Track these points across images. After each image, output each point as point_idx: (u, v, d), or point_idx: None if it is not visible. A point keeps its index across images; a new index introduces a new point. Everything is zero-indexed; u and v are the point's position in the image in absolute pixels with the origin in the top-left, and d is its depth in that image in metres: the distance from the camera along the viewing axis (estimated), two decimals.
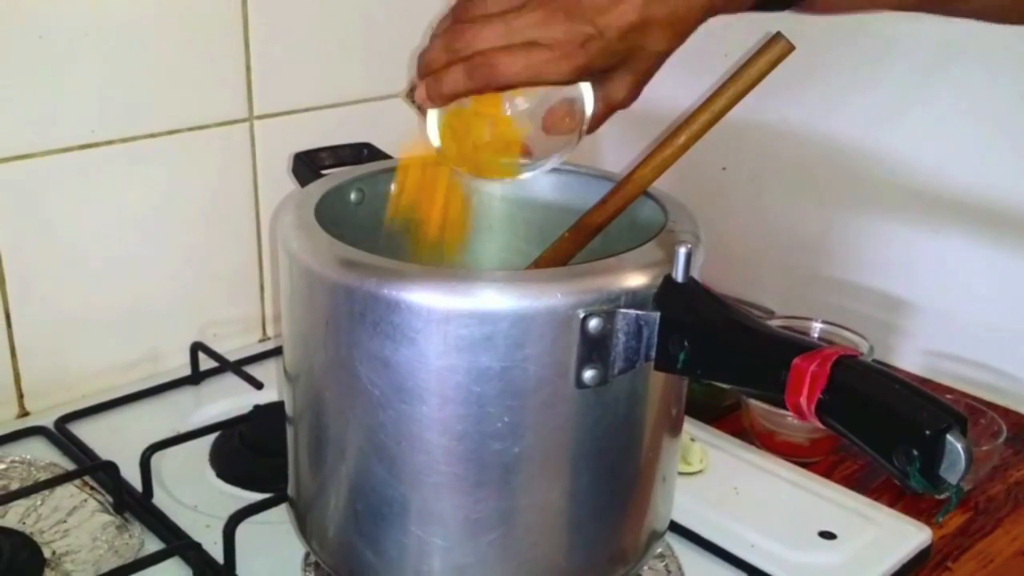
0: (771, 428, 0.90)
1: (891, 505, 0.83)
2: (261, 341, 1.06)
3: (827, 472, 0.88)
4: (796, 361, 0.50)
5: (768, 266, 1.16)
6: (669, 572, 0.73)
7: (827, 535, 0.78)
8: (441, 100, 0.64)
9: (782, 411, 0.88)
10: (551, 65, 0.60)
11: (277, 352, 1.00)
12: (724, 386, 0.57)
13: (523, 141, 0.68)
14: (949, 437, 0.46)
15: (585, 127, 0.66)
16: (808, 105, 1.09)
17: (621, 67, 0.63)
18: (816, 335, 0.99)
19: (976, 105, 0.98)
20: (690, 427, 0.89)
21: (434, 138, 0.67)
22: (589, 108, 0.65)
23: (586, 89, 0.65)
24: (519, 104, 0.65)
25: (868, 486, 0.86)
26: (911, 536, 0.78)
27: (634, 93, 0.65)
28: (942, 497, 0.78)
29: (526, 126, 0.67)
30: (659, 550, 0.74)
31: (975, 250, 1.01)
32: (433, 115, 0.67)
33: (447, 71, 0.62)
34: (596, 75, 0.64)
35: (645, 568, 0.72)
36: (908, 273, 1.06)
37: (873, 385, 0.49)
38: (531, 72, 0.61)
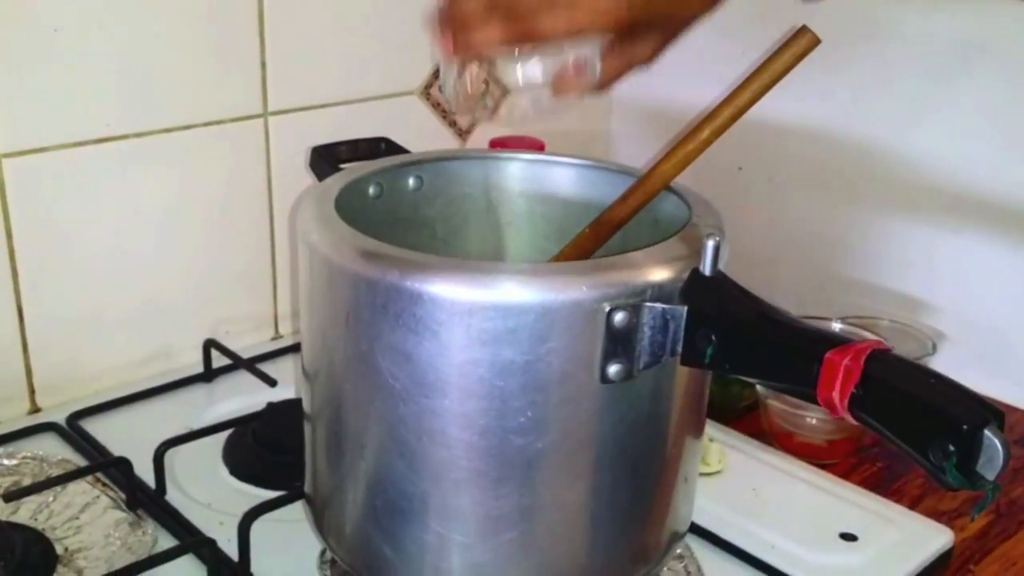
0: (789, 429, 0.89)
1: (912, 507, 0.82)
2: (273, 339, 1.05)
3: (846, 474, 0.87)
4: (829, 355, 0.49)
5: (785, 266, 1.15)
6: (688, 573, 0.73)
7: (848, 537, 0.77)
8: (471, 51, 0.63)
9: (800, 412, 0.88)
10: (592, 19, 0.60)
11: (290, 350, 0.99)
12: (751, 380, 0.56)
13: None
14: (987, 432, 0.45)
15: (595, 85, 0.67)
16: (826, 104, 1.08)
17: (654, 27, 0.63)
18: None
19: (997, 104, 0.98)
20: (708, 428, 0.88)
21: (449, 93, 0.67)
22: (598, 67, 0.66)
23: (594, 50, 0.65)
24: (532, 63, 0.65)
25: (888, 488, 0.85)
26: (933, 538, 0.78)
27: (659, 54, 0.66)
28: (959, 490, 0.78)
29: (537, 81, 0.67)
30: (678, 551, 0.73)
31: (996, 250, 1.00)
32: (452, 70, 0.66)
33: (483, 24, 0.62)
34: (624, 34, 0.64)
35: (664, 569, 0.71)
36: (928, 274, 1.05)
37: (908, 379, 0.48)
38: (572, 28, 0.61)
